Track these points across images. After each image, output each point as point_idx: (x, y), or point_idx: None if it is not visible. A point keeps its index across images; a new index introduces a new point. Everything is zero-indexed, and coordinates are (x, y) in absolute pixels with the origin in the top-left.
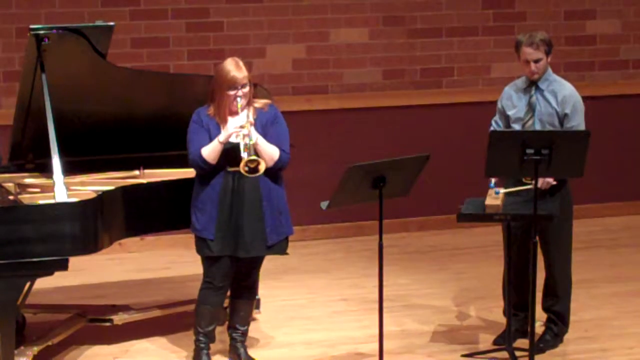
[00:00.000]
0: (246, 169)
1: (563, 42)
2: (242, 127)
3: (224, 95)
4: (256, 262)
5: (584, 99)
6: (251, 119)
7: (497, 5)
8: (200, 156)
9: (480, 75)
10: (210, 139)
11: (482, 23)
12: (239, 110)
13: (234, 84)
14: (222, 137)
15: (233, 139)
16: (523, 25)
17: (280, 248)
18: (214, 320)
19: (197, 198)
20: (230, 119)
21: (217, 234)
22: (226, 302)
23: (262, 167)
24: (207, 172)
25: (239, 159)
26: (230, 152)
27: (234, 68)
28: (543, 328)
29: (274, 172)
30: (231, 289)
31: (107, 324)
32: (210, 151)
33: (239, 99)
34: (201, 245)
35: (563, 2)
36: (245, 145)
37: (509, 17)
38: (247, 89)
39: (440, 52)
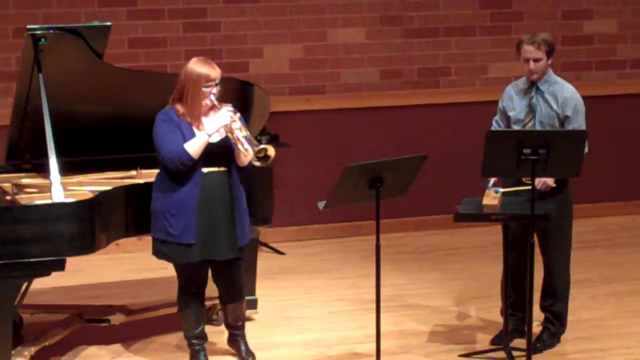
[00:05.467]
0: (256, 161)
1: (560, 41)
2: (232, 120)
3: (198, 93)
4: (236, 266)
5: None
6: (238, 114)
7: (495, 5)
8: (186, 153)
9: (478, 75)
10: (184, 139)
11: (480, 23)
12: (217, 106)
13: (210, 81)
14: (210, 130)
15: (215, 138)
16: (520, 25)
17: (244, 250)
18: (201, 320)
19: (170, 203)
20: (203, 119)
21: (197, 238)
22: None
23: (271, 153)
24: (185, 170)
25: (215, 158)
26: (206, 153)
27: (208, 66)
28: (540, 328)
29: (242, 174)
30: (220, 296)
31: (105, 324)
32: (197, 146)
33: (212, 96)
34: (178, 251)
35: (560, 2)
36: (244, 137)
37: (507, 17)
38: (219, 87)
39: (437, 52)
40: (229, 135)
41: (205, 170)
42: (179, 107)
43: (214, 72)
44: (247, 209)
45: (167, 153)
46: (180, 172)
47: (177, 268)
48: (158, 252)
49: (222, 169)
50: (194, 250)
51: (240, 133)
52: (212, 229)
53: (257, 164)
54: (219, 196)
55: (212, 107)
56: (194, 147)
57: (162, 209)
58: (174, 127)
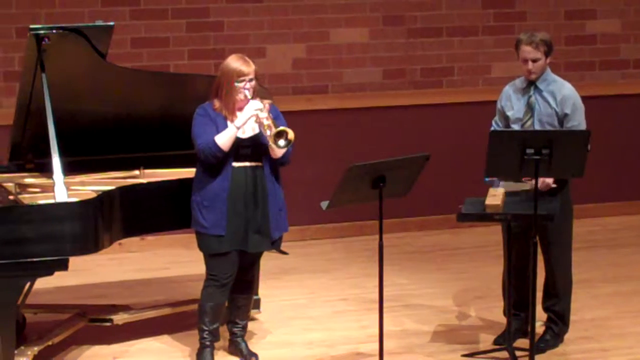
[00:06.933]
0: (273, 141)
1: (563, 41)
2: (259, 109)
3: (232, 88)
4: (258, 258)
5: (584, 98)
6: (266, 105)
7: (498, 4)
8: (215, 144)
9: (481, 75)
10: (218, 133)
11: (483, 23)
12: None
13: (242, 76)
14: (238, 122)
15: (240, 134)
16: (523, 25)
17: (278, 244)
18: (219, 317)
19: (203, 195)
20: (238, 113)
21: (228, 230)
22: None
23: (291, 136)
24: (217, 162)
25: (243, 152)
26: (236, 147)
27: (242, 61)
28: (543, 328)
29: (276, 168)
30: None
31: (108, 323)
32: (226, 138)
33: (246, 91)
34: (209, 242)
35: (563, 2)
36: (268, 125)
37: (510, 16)
38: (254, 82)
39: (440, 51)
40: (259, 126)
41: (235, 164)
42: (216, 102)
43: (247, 68)
44: (282, 202)
45: (199, 145)
46: (212, 164)
47: (208, 259)
48: (197, 244)
49: (253, 163)
50: (224, 241)
51: (266, 122)
52: (244, 221)
53: (274, 145)
54: (250, 190)
55: (247, 102)
56: (223, 139)
57: (196, 201)
58: (208, 120)
